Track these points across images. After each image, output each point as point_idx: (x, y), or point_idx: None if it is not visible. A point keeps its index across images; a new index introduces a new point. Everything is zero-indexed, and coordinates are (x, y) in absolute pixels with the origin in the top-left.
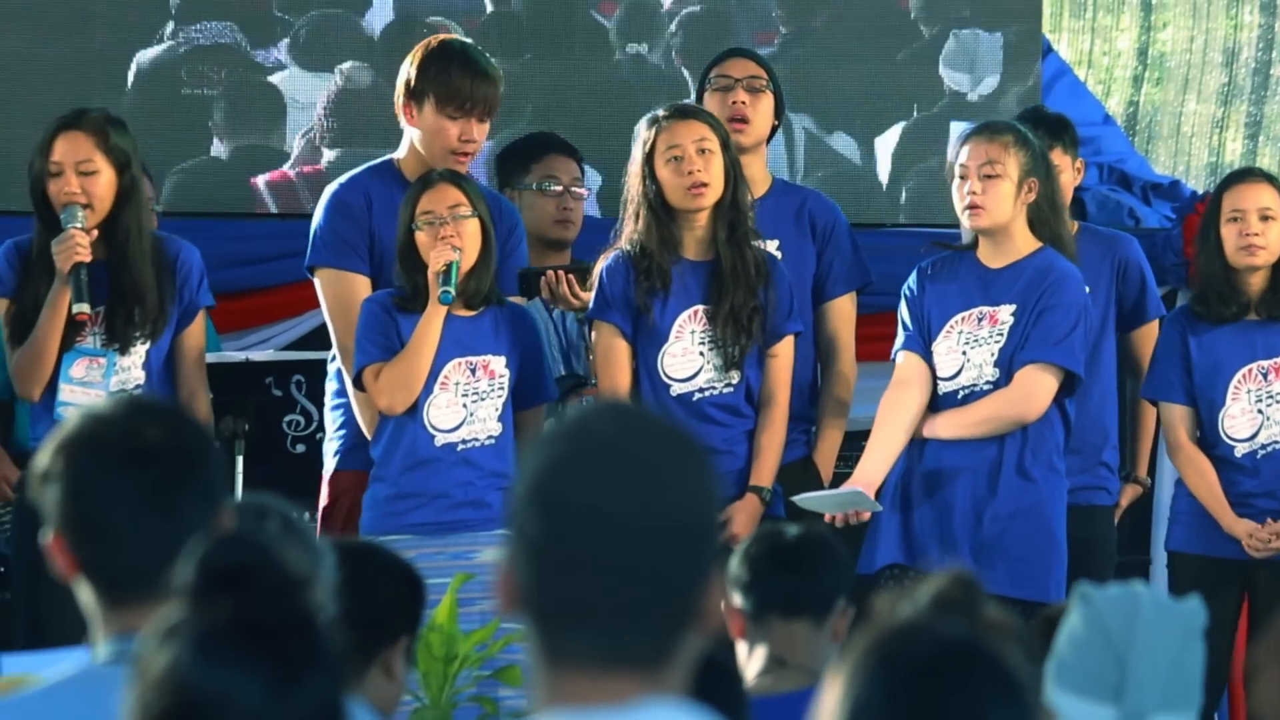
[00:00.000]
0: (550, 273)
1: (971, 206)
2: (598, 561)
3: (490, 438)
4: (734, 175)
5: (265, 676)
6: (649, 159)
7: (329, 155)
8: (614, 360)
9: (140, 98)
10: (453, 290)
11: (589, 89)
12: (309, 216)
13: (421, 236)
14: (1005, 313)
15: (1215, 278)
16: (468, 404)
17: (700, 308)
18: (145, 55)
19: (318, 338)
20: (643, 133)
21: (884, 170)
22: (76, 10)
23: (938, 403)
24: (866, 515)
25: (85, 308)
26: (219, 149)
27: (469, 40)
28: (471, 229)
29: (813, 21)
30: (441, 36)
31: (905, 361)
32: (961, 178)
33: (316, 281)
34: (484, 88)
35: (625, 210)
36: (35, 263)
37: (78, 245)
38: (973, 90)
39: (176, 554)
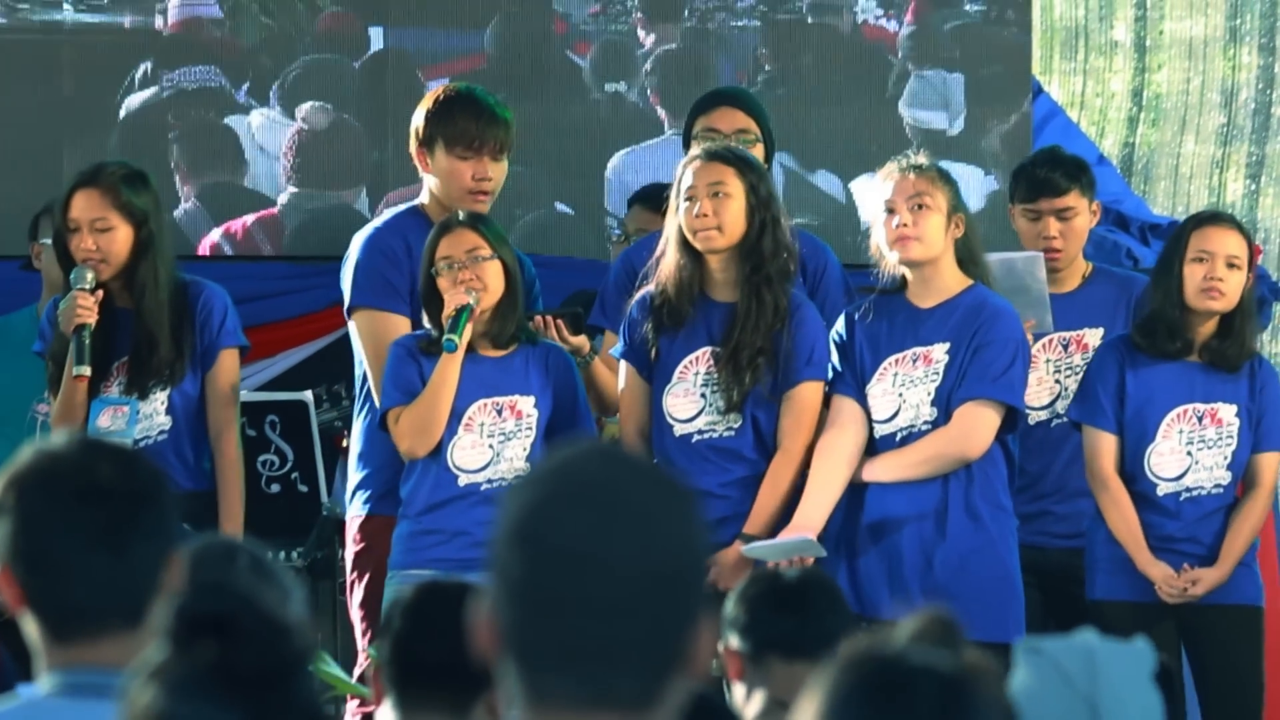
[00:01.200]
0: (539, 317)
1: (902, 238)
2: (582, 603)
3: (518, 477)
4: (761, 220)
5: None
6: (677, 197)
7: (283, 198)
8: (629, 400)
9: (127, 142)
10: (457, 339)
11: (566, 129)
12: (277, 259)
13: (442, 281)
14: (939, 351)
15: (1168, 314)
16: (494, 444)
17: (709, 349)
18: (126, 101)
19: (291, 379)
20: (677, 170)
21: (866, 210)
22: (45, 58)
23: (875, 446)
24: (810, 561)
25: (85, 370)
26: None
27: (476, 86)
28: (492, 270)
29: (796, 62)
30: (448, 85)
31: (839, 404)
32: (889, 211)
33: (355, 323)
34: (491, 126)
35: (659, 247)
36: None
37: (80, 307)
38: (958, 130)
39: (125, 591)
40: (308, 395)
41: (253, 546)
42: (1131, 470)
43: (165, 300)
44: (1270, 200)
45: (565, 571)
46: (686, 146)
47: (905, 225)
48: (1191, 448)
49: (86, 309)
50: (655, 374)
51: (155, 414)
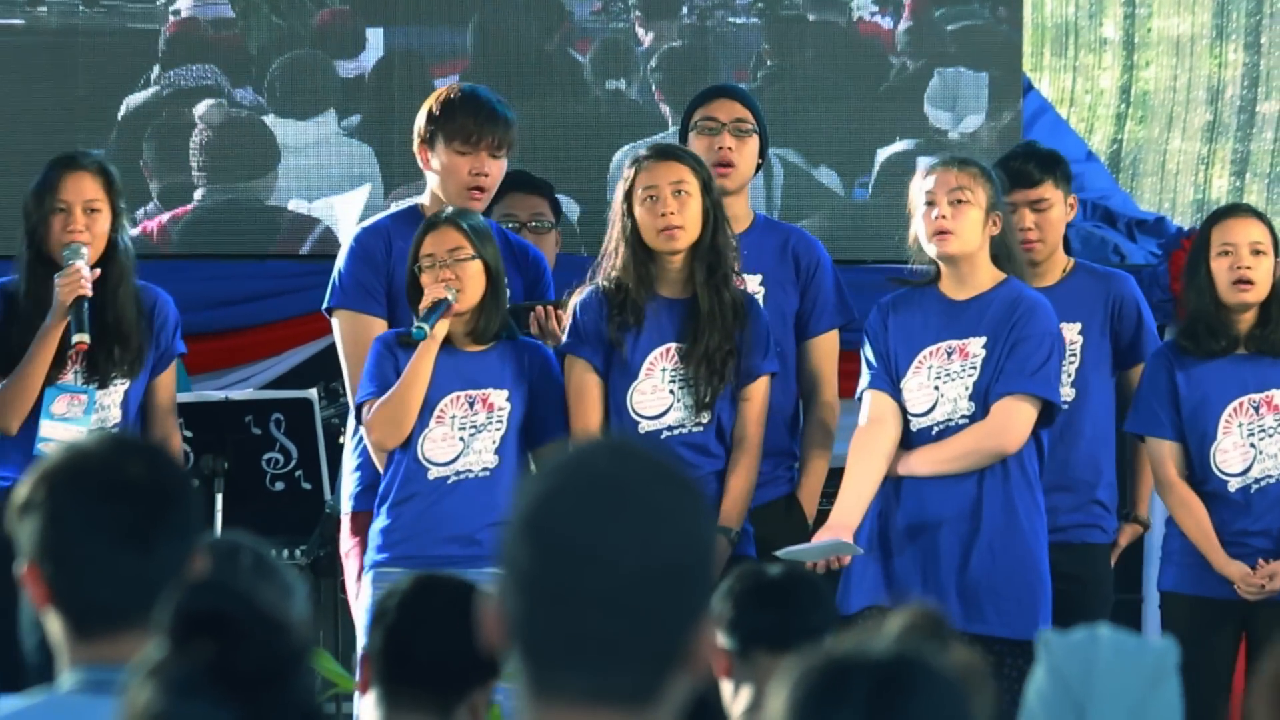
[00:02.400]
0: (539, 307)
1: (941, 231)
2: (588, 596)
3: (485, 470)
4: (714, 218)
5: (239, 719)
6: (628, 197)
7: (198, 194)
8: (585, 396)
9: (127, 141)
10: (427, 328)
11: (567, 127)
12: (288, 258)
13: (424, 278)
14: (976, 345)
15: (1205, 312)
16: (464, 437)
17: (673, 345)
18: (130, 100)
19: (296, 377)
20: (625, 171)
21: (863, 206)
22: (60, 59)
23: (910, 439)
24: (847, 559)
25: (85, 338)
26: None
27: (480, 85)
28: (472, 270)
29: (793, 59)
30: (452, 85)
31: (874, 399)
32: (929, 204)
33: (335, 323)
34: (491, 123)
35: (605, 246)
36: (23, 302)
37: (82, 279)
38: (954, 129)
39: (149, 589)
40: (312, 394)
41: (256, 544)
42: (1200, 472)
43: (132, 291)
44: (1255, 197)
45: (571, 564)
46: (683, 139)
47: (944, 219)
48: (1254, 439)
49: (88, 280)
50: (615, 371)
51: (112, 406)
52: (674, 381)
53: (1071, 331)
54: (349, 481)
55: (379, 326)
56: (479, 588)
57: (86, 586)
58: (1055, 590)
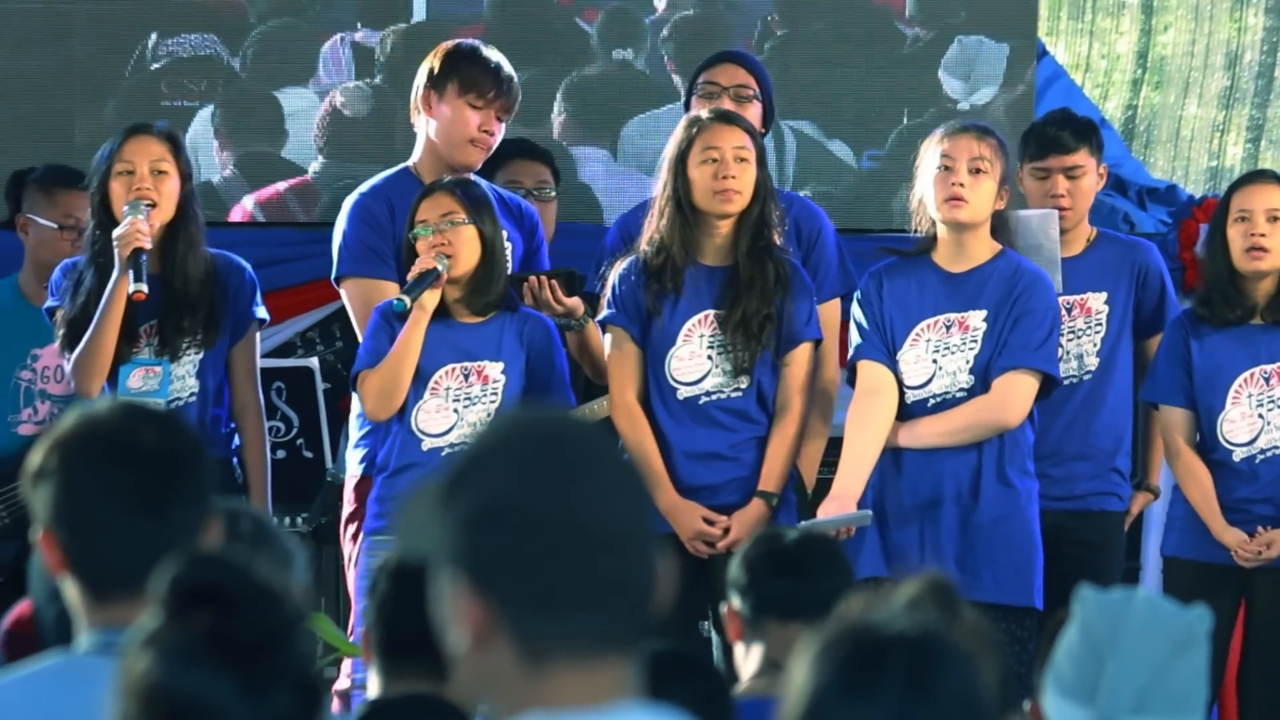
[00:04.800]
0: (533, 278)
1: (955, 198)
2: (579, 555)
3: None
4: (765, 190)
5: (237, 688)
6: (682, 158)
7: (314, 166)
8: (623, 364)
9: (122, 110)
10: (408, 300)
11: (573, 95)
12: (291, 225)
13: (419, 245)
14: (976, 319)
15: (1221, 280)
16: (458, 409)
17: (711, 312)
18: (127, 68)
19: (298, 345)
20: (679, 132)
21: (875, 176)
22: (57, 24)
23: (906, 411)
24: (853, 529)
25: (143, 287)
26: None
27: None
28: (465, 236)
29: (805, 28)
30: (462, 39)
31: (870, 370)
32: (945, 168)
33: (344, 291)
34: (507, 84)
35: (652, 207)
36: (90, 265)
37: (139, 232)
38: (965, 100)
39: (163, 554)
40: (313, 362)
41: (256, 511)
42: (1208, 440)
43: (199, 260)
44: (1270, 163)
45: (554, 533)
46: (688, 103)
47: (960, 186)
48: (1262, 409)
49: (145, 234)
50: (652, 338)
51: (186, 376)
52: (711, 347)
53: (1097, 301)
54: (355, 450)
55: (390, 289)
56: None
57: (101, 552)
58: (1069, 556)
